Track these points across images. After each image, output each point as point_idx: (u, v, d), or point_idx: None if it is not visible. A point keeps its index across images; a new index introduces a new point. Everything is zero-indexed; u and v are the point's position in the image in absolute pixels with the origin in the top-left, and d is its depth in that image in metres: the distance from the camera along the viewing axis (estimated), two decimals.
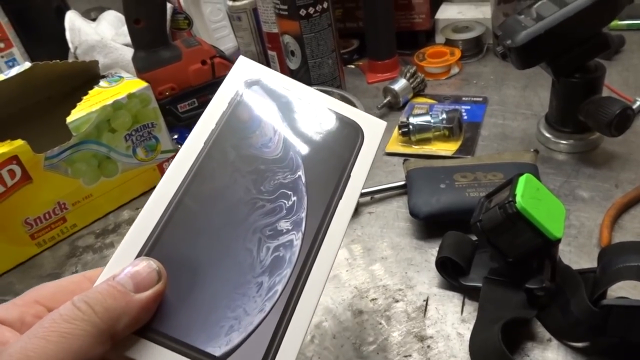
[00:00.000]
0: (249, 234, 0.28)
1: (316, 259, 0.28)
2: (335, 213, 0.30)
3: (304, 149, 0.32)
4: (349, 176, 0.31)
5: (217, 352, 0.25)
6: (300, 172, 0.31)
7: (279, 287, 0.27)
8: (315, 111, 0.33)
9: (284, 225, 0.29)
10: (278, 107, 0.33)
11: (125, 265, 0.25)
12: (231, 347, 0.25)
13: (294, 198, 0.30)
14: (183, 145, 0.30)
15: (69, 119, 0.60)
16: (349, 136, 0.33)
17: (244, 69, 0.34)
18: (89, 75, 0.69)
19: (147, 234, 0.27)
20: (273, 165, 0.31)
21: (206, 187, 0.29)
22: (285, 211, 0.29)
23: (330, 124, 0.33)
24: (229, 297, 0.26)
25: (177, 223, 0.28)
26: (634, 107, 0.65)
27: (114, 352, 0.24)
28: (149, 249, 0.27)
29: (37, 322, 0.22)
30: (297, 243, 0.28)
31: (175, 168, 0.29)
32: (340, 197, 0.30)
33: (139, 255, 0.26)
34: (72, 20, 0.92)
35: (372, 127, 0.33)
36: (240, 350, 0.25)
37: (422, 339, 0.45)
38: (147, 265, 0.25)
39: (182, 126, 0.80)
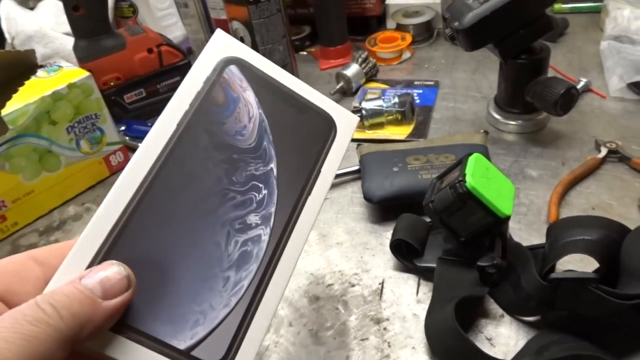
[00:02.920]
0: (217, 226, 0.28)
1: (282, 257, 0.29)
2: (303, 210, 0.30)
3: (277, 140, 0.31)
4: (319, 172, 0.31)
5: (182, 346, 0.25)
6: (273, 165, 0.30)
7: (245, 283, 0.28)
8: (290, 99, 0.32)
9: (253, 219, 0.29)
10: (255, 91, 0.31)
11: (88, 258, 0.24)
12: (195, 340, 0.26)
13: (264, 191, 0.30)
14: (153, 127, 0.28)
15: (3, 112, 0.56)
16: (322, 130, 0.33)
17: (221, 44, 0.31)
18: (24, 65, 0.65)
19: (113, 222, 0.26)
20: (246, 155, 0.30)
21: (176, 174, 0.28)
22: (255, 204, 0.29)
23: (305, 114, 0.32)
24: (196, 290, 0.26)
25: (145, 211, 0.26)
26: (578, 87, 0.67)
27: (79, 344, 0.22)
28: (114, 238, 0.25)
29: None
30: (265, 238, 0.29)
31: (145, 151, 0.27)
32: (309, 194, 0.31)
33: (102, 246, 0.25)
34: (8, 9, 0.87)
35: (345, 121, 0.33)
36: (204, 344, 0.26)
37: (378, 321, 0.45)
38: (118, 271, 0.24)
39: (130, 117, 0.77)
